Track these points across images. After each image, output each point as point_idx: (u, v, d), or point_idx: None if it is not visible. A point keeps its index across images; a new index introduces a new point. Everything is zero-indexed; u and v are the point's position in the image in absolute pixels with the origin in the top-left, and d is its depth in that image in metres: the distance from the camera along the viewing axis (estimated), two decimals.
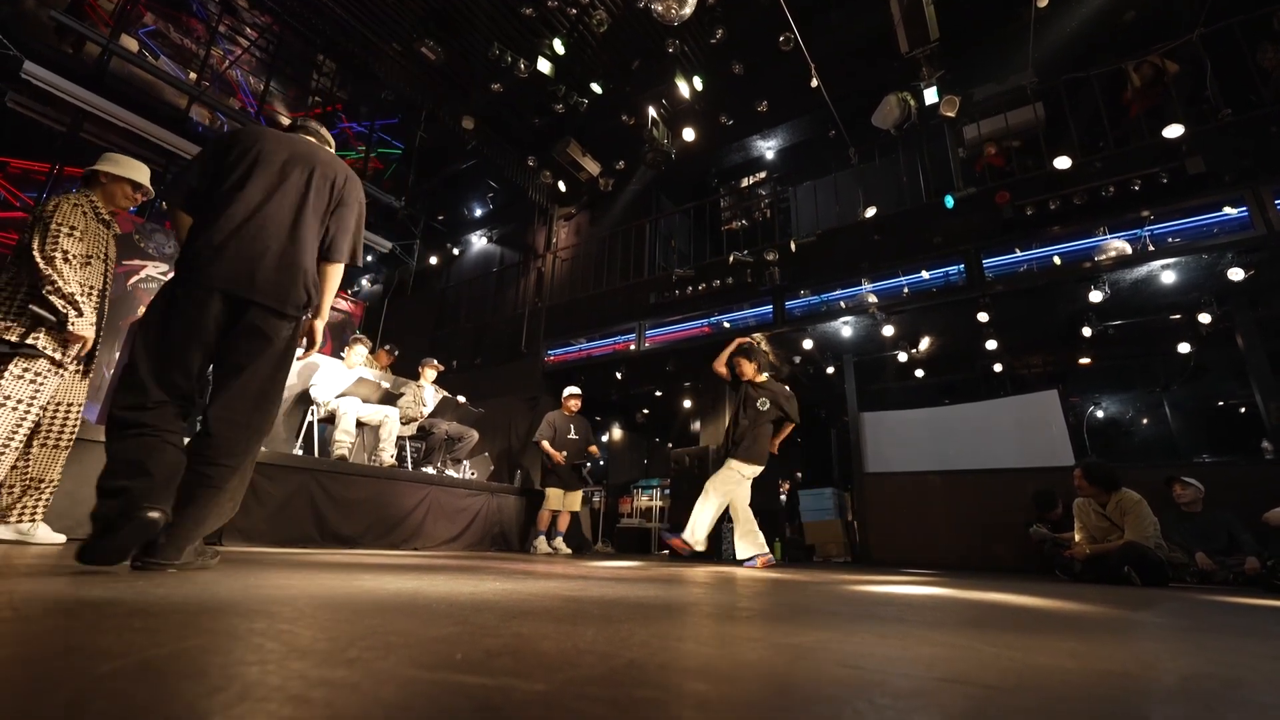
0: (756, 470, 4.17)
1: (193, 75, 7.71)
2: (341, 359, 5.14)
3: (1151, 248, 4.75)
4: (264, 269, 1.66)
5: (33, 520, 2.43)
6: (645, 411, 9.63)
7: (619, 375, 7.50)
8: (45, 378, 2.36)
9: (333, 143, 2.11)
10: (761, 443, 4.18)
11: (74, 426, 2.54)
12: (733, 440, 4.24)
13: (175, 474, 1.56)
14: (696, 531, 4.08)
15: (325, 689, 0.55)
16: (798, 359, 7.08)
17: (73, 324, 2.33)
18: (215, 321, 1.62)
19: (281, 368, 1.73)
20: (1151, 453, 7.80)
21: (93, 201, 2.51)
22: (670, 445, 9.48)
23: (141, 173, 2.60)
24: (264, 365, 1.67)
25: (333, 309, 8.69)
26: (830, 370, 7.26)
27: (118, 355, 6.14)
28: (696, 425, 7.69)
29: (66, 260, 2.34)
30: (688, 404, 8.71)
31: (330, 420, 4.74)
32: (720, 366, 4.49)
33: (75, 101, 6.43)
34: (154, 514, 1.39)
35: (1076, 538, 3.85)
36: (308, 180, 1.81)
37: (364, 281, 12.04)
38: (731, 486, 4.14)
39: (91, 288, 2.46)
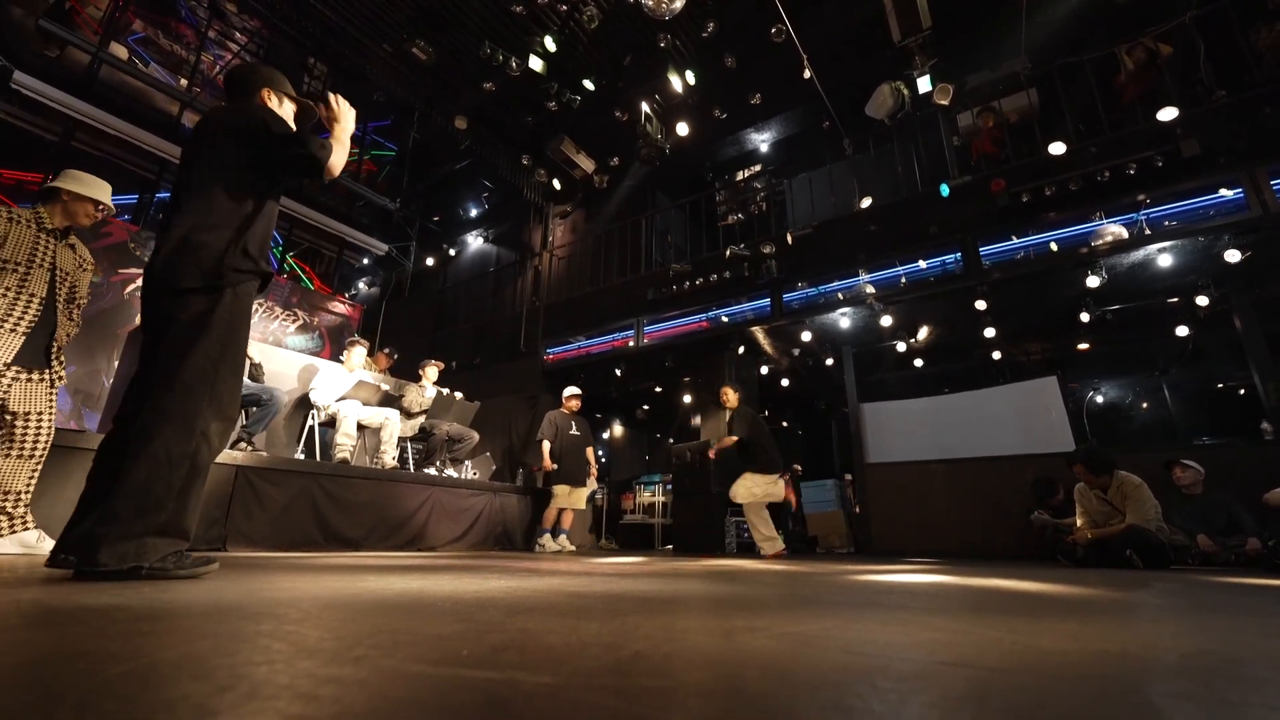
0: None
1: (183, 81, 7.67)
2: (341, 362, 5.14)
3: (1148, 231, 4.75)
4: (163, 255, 1.67)
5: (25, 528, 2.40)
6: (645, 408, 9.63)
7: (618, 372, 7.50)
8: None
9: (244, 83, 2.00)
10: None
11: (37, 436, 2.44)
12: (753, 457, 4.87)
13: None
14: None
15: (333, 686, 0.56)
16: (796, 351, 7.08)
17: None
18: (150, 319, 1.70)
19: (194, 340, 1.62)
20: (1151, 436, 7.81)
21: (37, 214, 2.46)
22: (671, 441, 9.49)
23: (103, 191, 2.57)
24: (173, 343, 1.64)
25: (330, 312, 8.78)
26: (829, 362, 7.26)
27: (117, 364, 6.12)
28: (697, 420, 7.67)
29: None
30: (688, 399, 8.71)
31: (331, 424, 4.74)
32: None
33: (66, 110, 6.40)
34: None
35: (1078, 523, 3.86)
36: (197, 148, 1.81)
37: (361, 285, 12.02)
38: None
39: (18, 291, 2.35)
